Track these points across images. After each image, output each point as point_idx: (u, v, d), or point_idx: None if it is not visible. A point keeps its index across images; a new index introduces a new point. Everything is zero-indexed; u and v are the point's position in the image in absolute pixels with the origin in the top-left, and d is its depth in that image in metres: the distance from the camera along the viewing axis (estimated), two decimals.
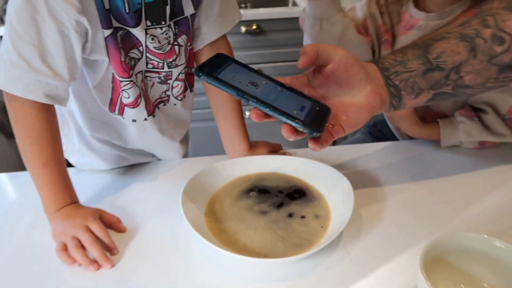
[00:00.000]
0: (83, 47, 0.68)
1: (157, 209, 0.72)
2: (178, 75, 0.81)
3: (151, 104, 0.81)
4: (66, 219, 0.67)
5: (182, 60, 0.80)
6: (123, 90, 0.75)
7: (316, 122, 0.52)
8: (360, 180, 0.77)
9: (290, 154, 0.85)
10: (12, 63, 0.64)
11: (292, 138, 0.53)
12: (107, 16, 0.67)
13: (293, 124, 0.51)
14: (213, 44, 0.83)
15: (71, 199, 0.69)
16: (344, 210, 0.63)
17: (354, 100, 0.59)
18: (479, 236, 0.52)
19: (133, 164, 0.88)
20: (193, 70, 0.86)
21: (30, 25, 0.62)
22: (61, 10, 0.62)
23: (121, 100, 0.77)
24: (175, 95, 0.84)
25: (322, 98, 0.59)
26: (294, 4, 2.14)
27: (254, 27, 1.84)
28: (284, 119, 0.51)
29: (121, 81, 0.74)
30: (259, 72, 0.56)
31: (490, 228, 0.64)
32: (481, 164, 0.80)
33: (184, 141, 0.94)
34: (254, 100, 0.50)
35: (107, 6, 0.67)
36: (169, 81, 0.81)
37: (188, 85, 0.87)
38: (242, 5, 2.22)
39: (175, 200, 0.67)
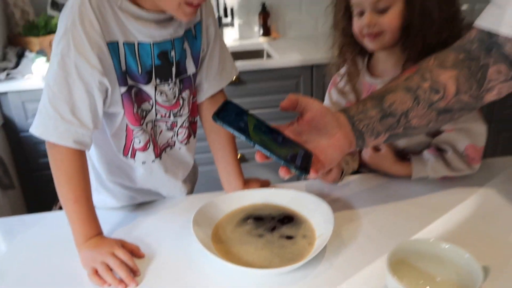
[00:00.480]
0: (104, 102, 0.84)
1: (169, 238, 0.85)
2: (183, 123, 0.96)
3: (158, 148, 0.96)
4: (94, 248, 0.79)
5: (185, 110, 0.95)
6: (135, 137, 0.90)
7: (304, 165, 0.68)
8: (339, 205, 0.92)
9: (275, 187, 1.00)
10: (49, 116, 0.79)
11: (287, 177, 0.69)
12: (124, 76, 0.84)
13: (289, 166, 0.66)
14: (213, 97, 1.00)
15: (97, 231, 0.82)
16: (326, 230, 0.78)
17: (329, 143, 0.75)
18: (429, 240, 0.68)
19: (142, 202, 1.01)
20: (196, 119, 1.02)
21: (63, 85, 0.78)
22: (87, 73, 0.78)
23: (133, 145, 0.92)
24: (180, 140, 0.99)
25: (305, 142, 0.75)
26: (268, 56, 2.36)
27: (234, 78, 2.03)
28: (282, 163, 0.66)
29: (133, 129, 0.89)
30: (259, 119, 0.70)
31: (442, 235, 0.80)
32: (437, 190, 0.98)
33: (188, 180, 1.08)
34: (259, 145, 0.65)
35: (123, 68, 0.83)
36: (174, 129, 0.96)
37: (192, 132, 1.02)
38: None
39: (183, 230, 0.81)
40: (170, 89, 0.90)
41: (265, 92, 2.07)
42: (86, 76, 0.78)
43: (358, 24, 0.99)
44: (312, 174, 0.69)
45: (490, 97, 0.85)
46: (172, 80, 0.89)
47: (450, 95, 0.82)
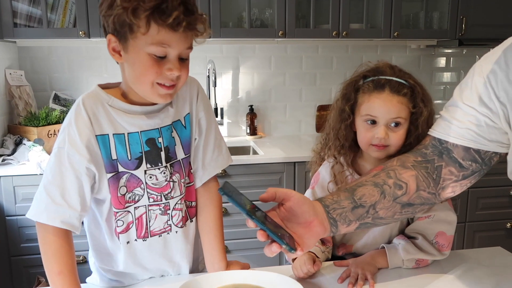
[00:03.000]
0: (92, 187, 0.94)
1: None
2: (175, 205, 1.02)
3: (144, 229, 1.00)
4: None
5: (177, 192, 1.02)
6: (118, 219, 0.98)
7: (292, 244, 0.78)
8: (310, 284, 0.98)
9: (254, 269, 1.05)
10: (42, 200, 0.90)
11: (275, 253, 0.77)
12: (114, 164, 0.94)
13: (282, 244, 0.75)
14: (206, 183, 1.07)
15: None
16: None
17: (306, 230, 0.84)
18: None
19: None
20: (193, 203, 1.08)
21: (57, 173, 0.91)
22: (76, 161, 0.91)
23: (117, 229, 0.99)
24: (175, 223, 1.04)
25: (287, 227, 0.83)
26: (254, 152, 2.50)
27: (221, 171, 2.14)
28: (277, 240, 0.75)
29: (117, 212, 0.97)
30: (252, 202, 0.79)
31: None
32: (406, 276, 1.04)
33: (189, 263, 1.10)
34: (257, 221, 0.74)
35: (114, 157, 0.94)
36: (168, 211, 1.02)
37: (189, 216, 1.07)
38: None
39: None
40: (161, 173, 0.98)
41: (250, 185, 2.17)
42: (75, 164, 0.90)
43: (368, 134, 1.06)
44: (298, 252, 0.78)
45: (446, 194, 0.97)
46: (162, 164, 0.98)
47: (411, 191, 0.93)
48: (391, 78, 1.06)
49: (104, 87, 0.96)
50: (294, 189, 2.22)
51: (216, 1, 2.25)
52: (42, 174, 1.99)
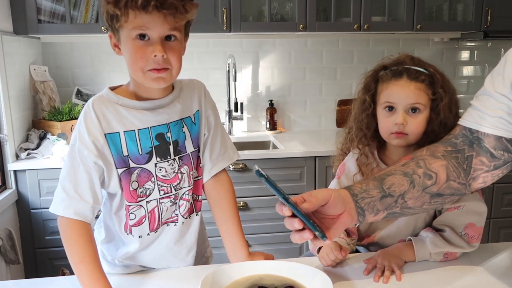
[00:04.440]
0: (103, 182, 0.98)
1: None
2: (183, 195, 1.06)
3: (156, 223, 1.04)
4: None
5: (185, 183, 1.06)
6: (130, 213, 1.01)
7: (323, 231, 0.77)
8: (337, 277, 0.97)
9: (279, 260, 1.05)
10: (58, 194, 0.96)
11: (306, 240, 0.77)
12: (125, 160, 0.98)
13: (315, 231, 0.75)
14: (216, 176, 1.11)
15: None
16: None
17: (335, 220, 0.83)
18: None
19: (150, 269, 1.06)
20: (200, 197, 1.11)
21: (70, 168, 0.96)
22: (85, 156, 0.95)
23: (129, 221, 1.02)
24: (182, 213, 1.08)
25: (314, 217, 0.82)
26: (274, 147, 2.49)
27: (241, 165, 2.14)
28: (311, 226, 0.76)
29: (129, 205, 1.01)
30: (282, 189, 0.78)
31: None
32: (434, 267, 1.02)
33: (190, 258, 1.12)
34: (294, 207, 0.74)
35: (125, 153, 0.98)
36: (176, 201, 1.06)
37: (195, 209, 1.11)
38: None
39: None
40: (169, 165, 1.02)
41: None
42: (84, 158, 0.95)
43: (388, 121, 1.07)
44: (328, 240, 0.79)
45: (476, 185, 0.95)
46: (171, 157, 1.02)
47: (441, 181, 0.91)
48: (409, 66, 1.07)
49: (114, 88, 1.02)
50: (315, 184, 2.22)
51: None
52: None
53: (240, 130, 2.71)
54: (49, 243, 2.08)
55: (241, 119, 2.65)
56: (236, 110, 2.59)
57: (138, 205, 1.01)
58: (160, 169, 1.01)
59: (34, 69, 2.31)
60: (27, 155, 2.07)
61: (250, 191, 2.18)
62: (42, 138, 2.20)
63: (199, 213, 1.12)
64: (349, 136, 1.19)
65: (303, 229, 0.77)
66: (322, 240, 0.77)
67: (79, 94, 2.46)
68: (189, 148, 1.05)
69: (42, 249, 2.09)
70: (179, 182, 1.05)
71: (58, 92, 2.45)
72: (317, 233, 0.75)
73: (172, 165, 1.02)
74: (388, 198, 0.88)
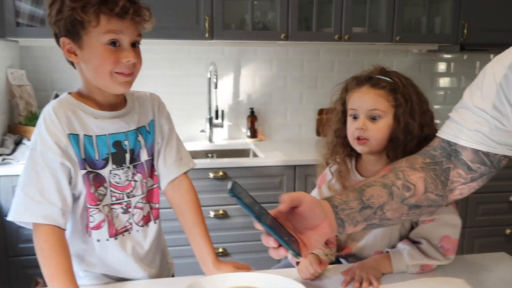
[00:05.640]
0: (70, 182, 0.97)
1: None
2: (136, 203, 1.07)
3: (114, 229, 1.04)
4: None
5: (138, 191, 1.07)
6: (90, 215, 1.01)
7: (297, 249, 0.77)
8: (315, 286, 0.97)
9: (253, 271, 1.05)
10: (20, 201, 0.93)
11: (282, 256, 0.77)
12: (83, 162, 0.99)
13: (288, 249, 0.75)
14: (175, 182, 1.13)
15: None
16: None
17: (315, 231, 0.83)
18: None
19: (124, 281, 1.05)
20: (157, 205, 1.12)
21: (33, 173, 0.94)
22: (50, 159, 0.94)
23: (89, 224, 1.02)
24: (136, 222, 1.08)
25: (294, 228, 0.83)
26: (254, 155, 2.49)
27: (221, 173, 2.13)
28: (284, 245, 0.75)
29: (89, 208, 1.00)
30: (258, 203, 0.78)
31: None
32: (411, 278, 1.03)
33: (155, 265, 1.13)
34: (265, 225, 0.73)
35: (83, 156, 0.99)
36: (129, 209, 1.06)
37: (153, 217, 1.12)
38: (209, 155, 2.55)
39: None
40: (124, 173, 1.04)
41: (250, 188, 2.16)
42: (49, 161, 0.94)
43: (352, 127, 1.12)
44: (303, 257, 0.78)
45: (453, 196, 0.96)
46: (126, 165, 1.04)
47: (419, 193, 0.92)
48: (373, 75, 1.12)
49: (72, 93, 1.03)
50: None
51: (219, 3, 2.25)
52: None
53: (221, 138, 2.70)
54: (23, 251, 2.03)
55: (222, 126, 2.65)
56: (216, 118, 2.59)
57: (97, 208, 1.01)
58: (114, 176, 1.03)
59: (11, 73, 2.26)
60: (2, 160, 2.02)
61: (229, 200, 2.14)
62: (17, 143, 2.15)
63: (157, 221, 1.12)
64: (327, 145, 1.21)
65: (279, 245, 0.77)
66: (295, 258, 0.77)
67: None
68: (144, 156, 1.08)
69: (15, 258, 2.04)
70: (132, 190, 1.06)
71: (36, 97, 2.40)
72: (291, 251, 0.75)
73: (127, 173, 1.04)
74: (368, 209, 0.89)
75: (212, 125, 2.60)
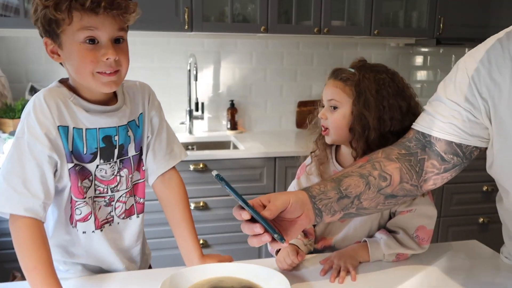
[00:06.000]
0: (54, 174, 0.94)
1: None
2: (120, 197, 1.06)
3: (99, 221, 1.03)
4: None
5: (123, 186, 1.06)
6: (76, 208, 0.99)
7: (281, 234, 0.79)
8: (295, 279, 0.99)
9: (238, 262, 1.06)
10: (2, 191, 0.90)
11: (264, 243, 0.78)
12: (71, 155, 0.96)
13: (274, 234, 0.76)
14: (164, 176, 1.11)
15: None
16: None
17: (292, 222, 0.85)
18: None
19: (106, 272, 1.05)
20: (141, 200, 1.11)
21: (17, 163, 0.90)
22: (38, 150, 0.91)
23: (75, 216, 1.00)
24: (118, 215, 1.07)
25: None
26: (235, 147, 2.50)
27: (201, 165, 2.14)
28: (270, 230, 0.76)
29: (76, 201, 0.99)
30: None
31: None
32: (387, 267, 1.07)
33: (135, 259, 1.14)
34: (251, 209, 0.74)
35: (70, 149, 0.96)
36: (112, 203, 1.05)
37: (136, 211, 1.10)
38: (190, 147, 2.54)
39: None
40: (110, 168, 1.02)
41: (230, 180, 2.16)
42: (36, 153, 0.90)
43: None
44: (286, 242, 0.79)
45: (427, 186, 0.99)
46: (113, 160, 1.02)
47: (395, 183, 0.95)
48: (340, 68, 1.14)
49: (63, 81, 0.99)
50: (275, 185, 2.24)
51: None
52: None
53: (201, 130, 2.70)
54: None
55: (202, 118, 2.64)
56: (196, 110, 2.58)
57: (84, 201, 0.99)
58: (101, 170, 1.00)
59: None
60: None
61: (210, 191, 2.17)
62: None
63: (140, 215, 1.11)
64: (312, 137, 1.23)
65: (264, 231, 0.78)
66: (280, 242, 0.78)
67: (33, 90, 2.37)
68: (131, 151, 1.06)
69: None
70: (117, 185, 1.04)
71: (11, 89, 2.35)
72: (276, 235, 0.77)
73: (113, 167, 1.02)
74: (345, 199, 0.91)
75: (192, 117, 2.60)
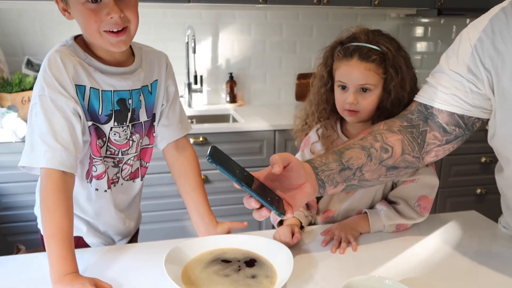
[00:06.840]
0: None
1: (141, 279, 0.90)
2: (128, 160, 1.08)
3: (110, 180, 1.06)
4: (67, 284, 0.83)
5: (133, 150, 1.08)
6: (93, 165, 1.02)
7: (281, 208, 0.79)
8: (298, 250, 1.01)
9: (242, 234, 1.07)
10: (37, 147, 0.90)
11: (266, 217, 0.79)
12: (88, 113, 0.97)
13: (271, 209, 0.76)
14: (177, 144, 1.13)
15: (72, 269, 0.86)
16: (287, 271, 0.85)
17: (298, 190, 0.85)
18: (374, 277, 0.77)
19: (116, 246, 1.07)
20: (147, 164, 1.13)
21: (44, 120, 0.90)
22: (62, 103, 0.91)
23: (92, 172, 1.03)
24: (123, 177, 1.10)
25: (277, 187, 0.84)
26: (234, 120, 2.49)
27: (201, 139, 2.14)
28: (267, 205, 0.76)
29: (94, 158, 1.01)
30: (240, 165, 0.78)
31: (389, 274, 0.89)
32: (388, 238, 1.08)
33: (133, 219, 1.18)
34: (247, 188, 0.74)
35: (86, 108, 0.96)
36: (120, 165, 1.07)
37: (141, 174, 1.14)
38: (189, 121, 2.53)
39: (155, 271, 0.85)
40: (123, 131, 1.03)
41: (230, 153, 2.17)
42: (61, 106, 0.91)
43: (341, 99, 1.11)
44: (288, 214, 0.80)
45: (429, 158, 1.00)
46: (126, 123, 1.03)
47: (397, 155, 0.95)
48: (362, 44, 1.08)
49: (76, 37, 0.99)
50: None
51: None
52: (17, 141, 1.93)
53: (200, 103, 2.68)
54: (2, 218, 2.00)
55: (201, 91, 2.63)
56: (195, 83, 2.56)
57: (100, 159, 1.01)
58: (115, 134, 1.02)
59: None
60: None
61: (210, 165, 2.17)
62: None
63: (143, 178, 1.15)
64: (311, 109, 1.21)
65: (261, 207, 0.78)
66: (279, 216, 0.79)
67: (30, 64, 2.34)
68: (143, 117, 1.06)
69: None
70: (128, 149, 1.06)
71: (6, 62, 2.32)
72: (273, 211, 0.77)
73: (126, 131, 1.03)
74: (347, 170, 0.92)
75: (191, 90, 2.58)
